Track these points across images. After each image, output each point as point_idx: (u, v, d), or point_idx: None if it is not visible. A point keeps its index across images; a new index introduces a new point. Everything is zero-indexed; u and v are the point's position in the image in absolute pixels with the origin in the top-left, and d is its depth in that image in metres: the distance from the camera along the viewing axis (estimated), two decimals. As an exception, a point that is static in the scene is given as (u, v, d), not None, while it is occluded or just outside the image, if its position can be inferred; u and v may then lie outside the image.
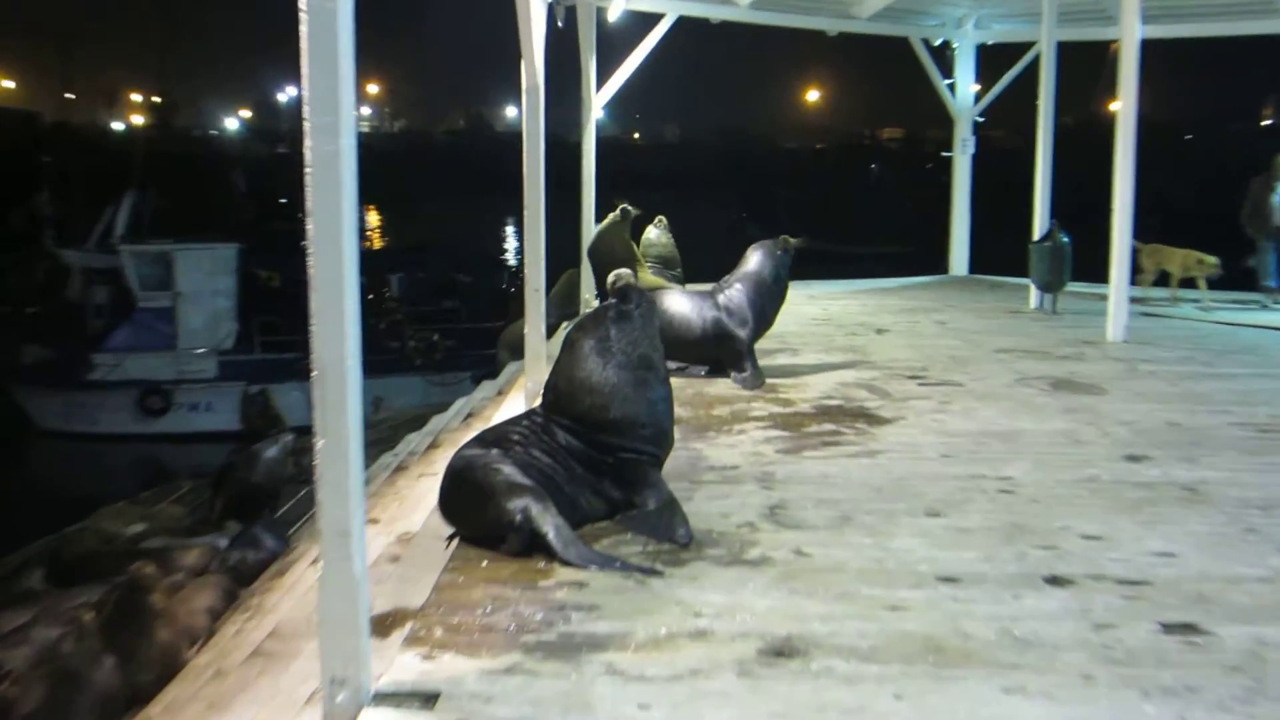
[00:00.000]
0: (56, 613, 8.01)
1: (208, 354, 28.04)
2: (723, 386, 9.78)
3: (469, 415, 11.24)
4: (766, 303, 10.06)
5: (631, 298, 6.32)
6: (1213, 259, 15.42)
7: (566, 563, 5.32)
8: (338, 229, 3.94)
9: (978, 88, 19.06)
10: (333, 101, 3.90)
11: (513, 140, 9.66)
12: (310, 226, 3.96)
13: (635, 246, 13.47)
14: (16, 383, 27.80)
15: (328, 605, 4.00)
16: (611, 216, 13.44)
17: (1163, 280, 15.86)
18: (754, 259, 10.16)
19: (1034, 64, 16.18)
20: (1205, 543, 5.79)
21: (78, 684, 6.67)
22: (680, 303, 9.99)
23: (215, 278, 28.85)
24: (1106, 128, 12.63)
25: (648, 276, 12.80)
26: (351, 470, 4.03)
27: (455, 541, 5.78)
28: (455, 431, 10.59)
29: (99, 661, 6.78)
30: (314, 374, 3.96)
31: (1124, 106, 11.98)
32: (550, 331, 11.29)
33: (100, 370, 27.51)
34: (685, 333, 9.87)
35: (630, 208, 13.50)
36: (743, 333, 9.92)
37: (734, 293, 9.98)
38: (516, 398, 10.01)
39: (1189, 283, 15.65)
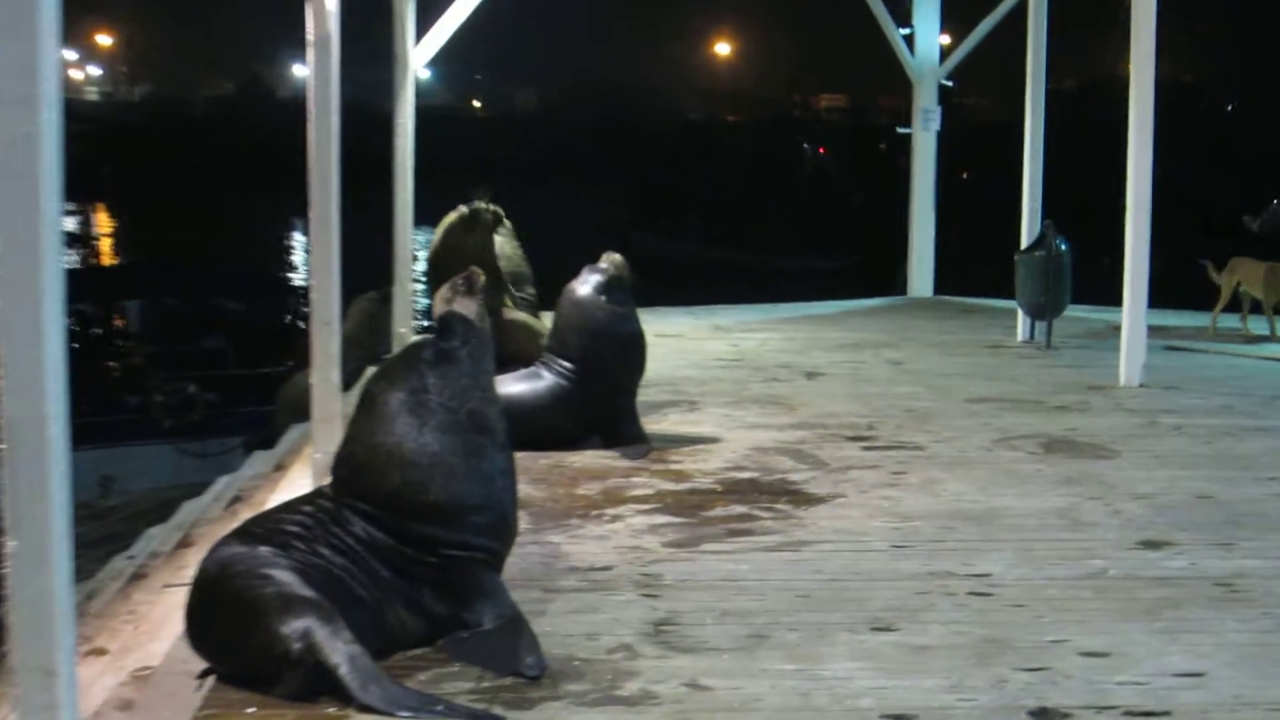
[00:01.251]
0: None
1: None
2: (590, 456, 9.80)
3: (235, 500, 11.13)
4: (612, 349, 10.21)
5: (455, 331, 6.34)
6: None
7: (367, 708, 5.26)
8: (33, 240, 3.91)
9: (945, 40, 19.45)
10: (27, 62, 3.88)
11: (301, 111, 9.61)
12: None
13: (498, 262, 13.26)
14: None
15: (24, 775, 3.95)
16: (452, 217, 13.17)
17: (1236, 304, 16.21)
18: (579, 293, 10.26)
19: (1019, 8, 16.52)
20: (1244, 657, 5.93)
21: None
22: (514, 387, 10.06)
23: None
24: (1119, 94, 12.91)
25: (514, 313, 12.73)
26: (56, 581, 3.98)
27: (210, 680, 5.71)
28: (215, 523, 10.47)
29: None
30: (2, 448, 3.92)
31: (1138, 66, 12.24)
32: (349, 381, 11.22)
33: None
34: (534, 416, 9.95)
35: (486, 204, 13.18)
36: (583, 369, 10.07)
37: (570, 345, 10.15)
38: (301, 474, 9.95)
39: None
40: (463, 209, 12.99)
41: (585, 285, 10.18)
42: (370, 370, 12.89)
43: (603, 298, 10.12)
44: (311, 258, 9.69)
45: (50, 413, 3.95)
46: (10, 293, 3.92)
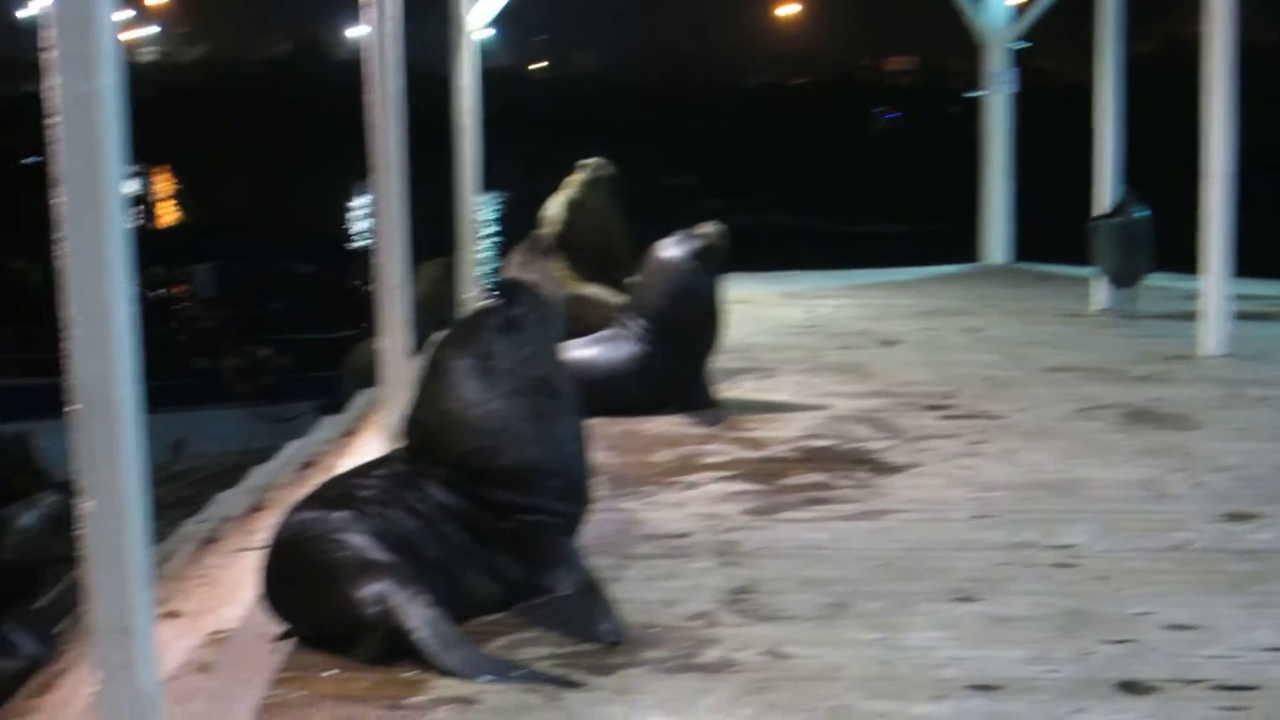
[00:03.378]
0: None
1: (-68, 379, 27.77)
2: (663, 423, 9.81)
3: (305, 464, 11.19)
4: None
5: (520, 299, 6.33)
6: None
7: (446, 671, 5.30)
8: (98, 200, 3.92)
9: (1018, 1, 19.27)
10: (85, 21, 3.88)
11: (359, 72, 9.60)
12: (61, 198, 3.94)
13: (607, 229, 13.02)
14: None
15: (107, 734, 3.97)
16: (583, 177, 12.91)
17: None
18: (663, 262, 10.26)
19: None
20: (1337, 633, 5.87)
21: None
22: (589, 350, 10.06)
23: (-61, 269, 28.63)
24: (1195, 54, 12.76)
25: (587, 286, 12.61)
26: (133, 542, 4.00)
27: (288, 643, 5.75)
28: (286, 487, 10.53)
29: None
30: (74, 408, 3.94)
31: (1215, 22, 12.10)
32: (416, 347, 11.24)
33: None
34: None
35: (606, 164, 12.94)
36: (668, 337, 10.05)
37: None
38: (371, 439, 10.00)
39: None
40: (590, 171, 12.86)
41: (676, 248, 10.18)
42: (437, 336, 12.97)
43: (692, 263, 10.11)
44: (376, 222, 9.71)
45: (120, 373, 3.97)
46: (77, 253, 3.94)
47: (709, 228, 10.34)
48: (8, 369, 28.08)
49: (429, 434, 6.13)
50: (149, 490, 4.13)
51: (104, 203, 3.94)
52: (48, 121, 3.92)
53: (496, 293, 6.38)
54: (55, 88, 3.88)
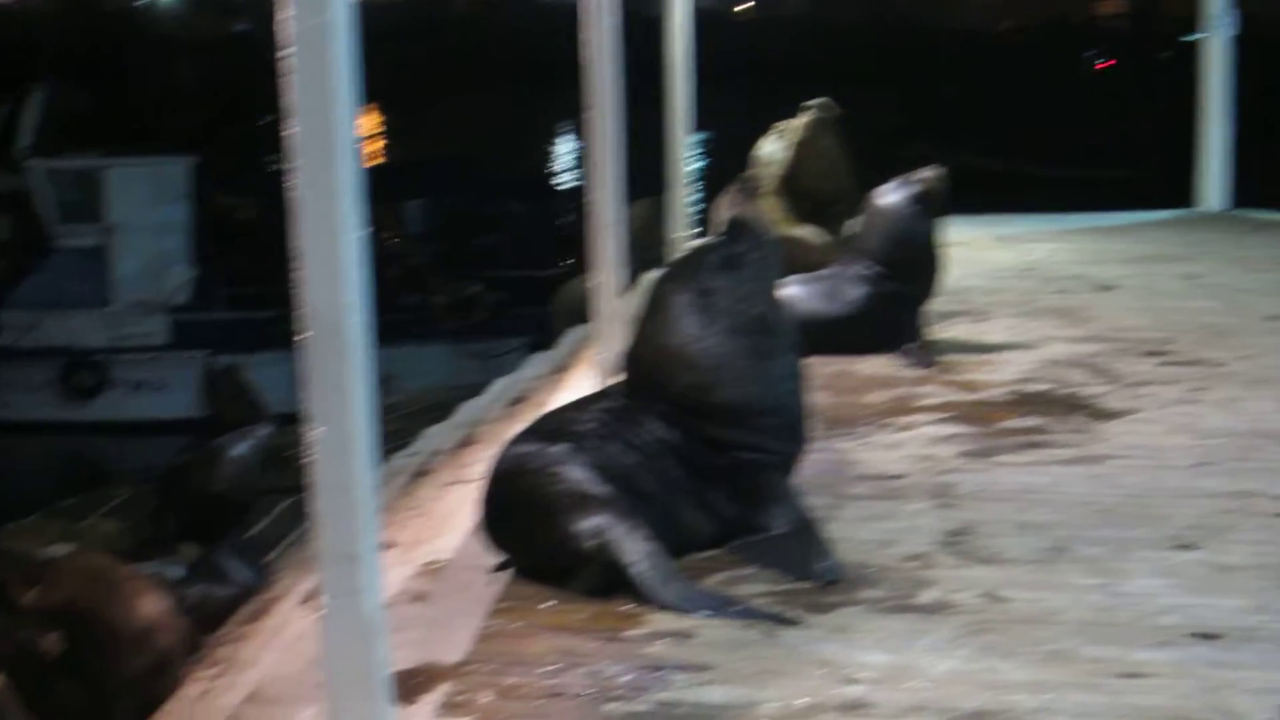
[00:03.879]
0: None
1: (154, 312, 28.29)
2: (876, 364, 9.76)
3: (515, 400, 11.28)
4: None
5: (743, 235, 6.31)
6: None
7: (663, 605, 5.34)
8: (330, 131, 3.96)
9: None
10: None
11: (565, 10, 9.63)
12: (293, 130, 3.98)
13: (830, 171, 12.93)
14: None
15: (333, 657, 4.03)
16: (808, 118, 12.86)
17: None
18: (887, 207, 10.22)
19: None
20: None
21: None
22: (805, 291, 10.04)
23: (160, 205, 29.18)
24: None
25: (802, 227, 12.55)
26: (360, 470, 4.05)
27: (504, 574, 5.81)
28: (496, 423, 10.63)
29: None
30: (305, 336, 3.99)
31: None
32: (627, 285, 11.26)
33: (7, 335, 27.82)
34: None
35: (831, 104, 12.85)
36: (892, 279, 10.01)
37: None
38: (583, 375, 10.06)
39: None
40: (816, 112, 12.79)
41: (897, 193, 10.13)
42: (651, 274, 12.99)
43: (913, 208, 10.06)
44: (589, 160, 9.74)
45: (350, 301, 4.01)
46: (309, 183, 3.97)
47: (930, 173, 10.26)
48: (219, 304, 28.63)
49: (647, 369, 6.15)
50: (376, 419, 4.18)
51: (336, 134, 3.98)
52: (281, 54, 3.96)
53: (723, 230, 6.38)
54: (288, 20, 3.92)
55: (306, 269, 4.01)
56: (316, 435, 4.04)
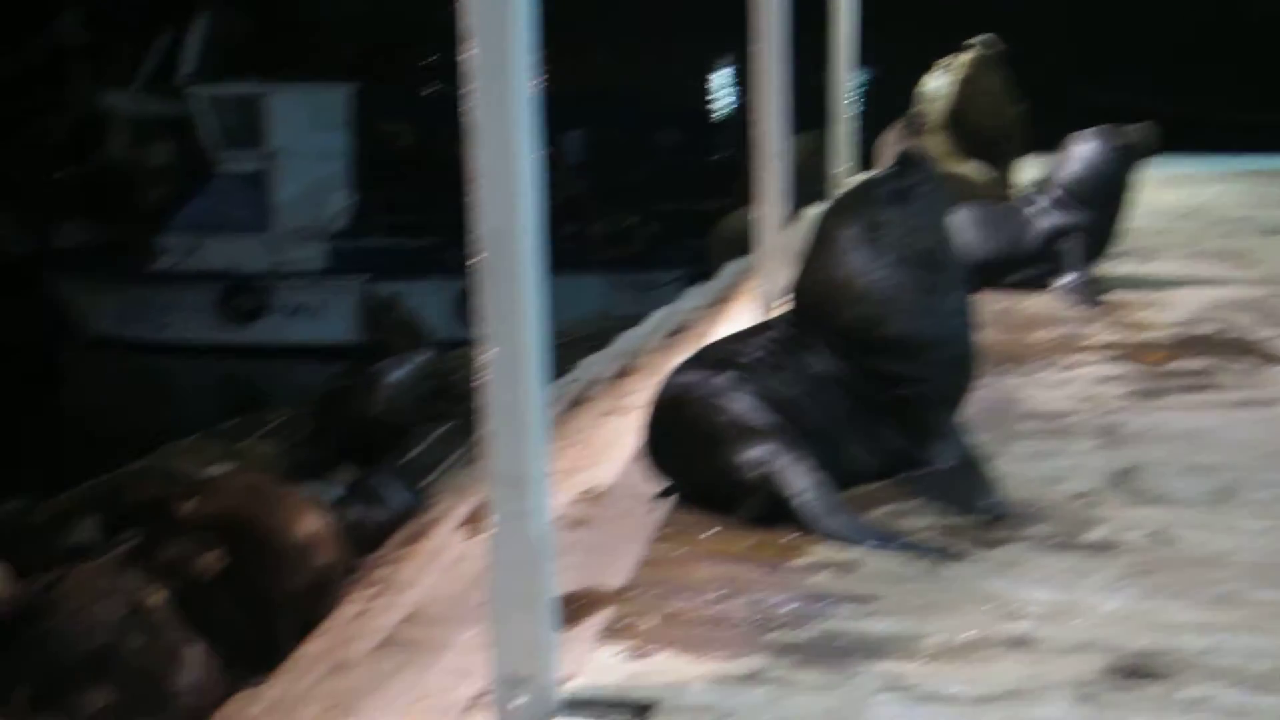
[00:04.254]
0: (116, 585, 8.31)
1: (313, 237, 28.51)
2: (1041, 302, 9.68)
3: (674, 331, 11.31)
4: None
5: (912, 169, 6.25)
6: None
7: (826, 536, 5.34)
8: (508, 53, 3.95)
9: None
10: None
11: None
12: (471, 52, 3.98)
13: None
14: (54, 273, 28.57)
15: (499, 579, 4.05)
16: (973, 55, 12.71)
17: None
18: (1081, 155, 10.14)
19: None
20: None
21: (152, 688, 6.92)
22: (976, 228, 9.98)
23: (320, 132, 29.39)
24: None
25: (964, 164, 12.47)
26: (531, 392, 4.06)
27: (665, 502, 5.83)
28: (655, 354, 10.66)
29: (177, 657, 7.01)
30: (480, 257, 4.00)
31: None
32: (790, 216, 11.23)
33: (168, 258, 28.15)
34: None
35: (996, 40, 12.73)
36: (1075, 218, 9.92)
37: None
38: (743, 307, 10.05)
39: None
40: (980, 48, 12.68)
41: (1100, 137, 10.08)
42: (811, 208, 12.93)
43: (1114, 153, 10.00)
44: (754, 93, 9.72)
45: (525, 225, 4.02)
46: (485, 107, 3.97)
47: (1142, 127, 10.21)
48: (377, 230, 28.83)
49: (814, 301, 6.12)
50: (548, 344, 4.19)
51: (514, 56, 3.97)
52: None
53: (892, 164, 6.33)
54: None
55: (481, 191, 4.02)
56: (488, 357, 4.05)
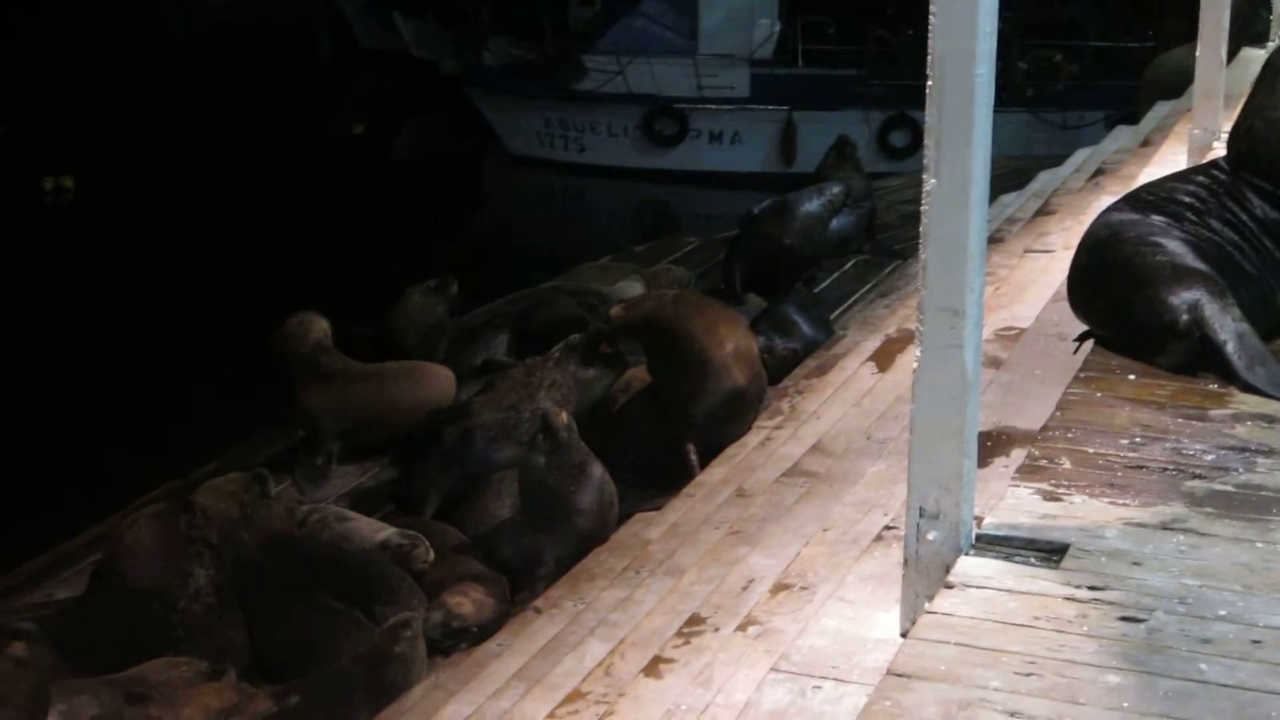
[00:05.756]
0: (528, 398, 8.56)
1: (737, 65, 28.24)
2: None
3: (1097, 172, 11.06)
4: None
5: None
6: None
7: (1251, 388, 5.20)
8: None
9: None
10: None
11: None
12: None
13: None
14: (477, 89, 29.05)
15: (924, 409, 4.04)
16: None
17: None
18: None
19: None
20: None
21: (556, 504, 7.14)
22: None
23: (752, -46, 29.03)
24: None
25: None
26: (973, 224, 4.03)
27: (1086, 344, 5.74)
28: (1077, 194, 10.45)
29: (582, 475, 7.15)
30: (931, 84, 3.96)
31: None
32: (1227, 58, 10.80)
33: (592, 79, 28.30)
34: None
35: None
36: None
37: None
38: (1173, 150, 9.77)
39: None
40: None
41: None
42: (1250, 49, 12.45)
43: None
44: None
45: (980, 51, 3.97)
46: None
47: None
48: (802, 60, 28.50)
49: (1255, 144, 5.85)
50: (990, 173, 4.14)
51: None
52: None
53: None
54: None
55: (936, 15, 3.98)
56: (930, 188, 4.03)
